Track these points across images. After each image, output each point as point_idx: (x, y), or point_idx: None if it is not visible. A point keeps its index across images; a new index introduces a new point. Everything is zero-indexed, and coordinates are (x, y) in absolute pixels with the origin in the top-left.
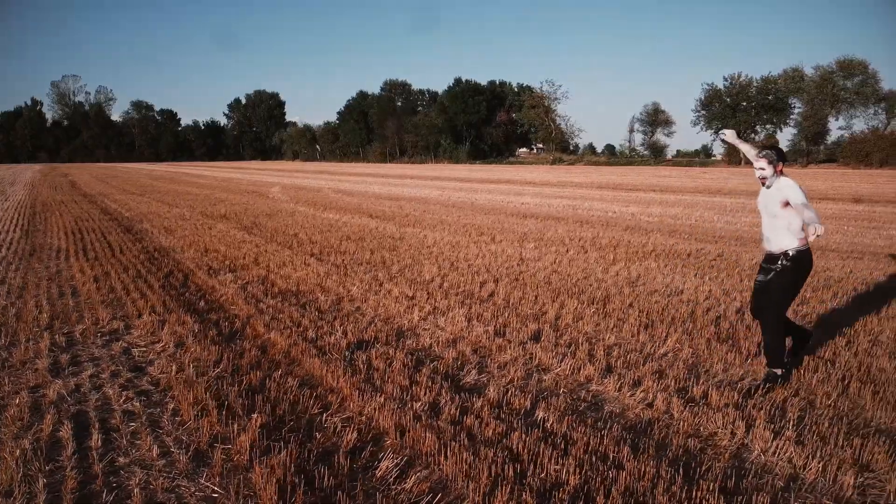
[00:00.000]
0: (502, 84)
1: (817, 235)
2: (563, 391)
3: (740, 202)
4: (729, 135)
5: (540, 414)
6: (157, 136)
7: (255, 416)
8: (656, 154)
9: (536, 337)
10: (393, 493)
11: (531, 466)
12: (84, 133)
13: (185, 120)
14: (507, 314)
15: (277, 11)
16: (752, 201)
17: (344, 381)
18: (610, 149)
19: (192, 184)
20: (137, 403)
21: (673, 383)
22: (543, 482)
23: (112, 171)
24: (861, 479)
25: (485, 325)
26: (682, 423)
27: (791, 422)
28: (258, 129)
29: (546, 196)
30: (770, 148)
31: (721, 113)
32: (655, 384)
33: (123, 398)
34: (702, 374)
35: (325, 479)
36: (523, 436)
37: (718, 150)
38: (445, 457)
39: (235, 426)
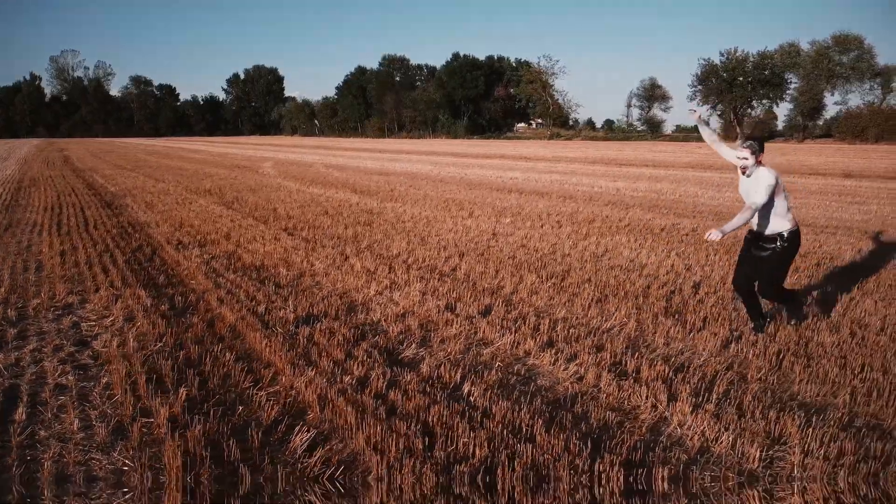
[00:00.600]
0: (500, 59)
1: (709, 238)
2: (497, 365)
3: (728, 177)
4: (700, 111)
5: (466, 388)
6: (155, 111)
7: (182, 390)
8: (653, 129)
9: (486, 311)
10: (300, 466)
11: (442, 440)
12: (83, 108)
13: (184, 95)
14: (463, 288)
15: None
16: (712, 175)
17: (280, 356)
18: (609, 124)
19: (186, 159)
20: (72, 377)
21: (609, 357)
22: (449, 456)
23: (109, 147)
24: (770, 452)
25: (437, 299)
26: (607, 397)
27: (715, 395)
28: (257, 104)
29: (538, 171)
30: (753, 139)
31: (717, 88)
32: (591, 358)
33: (59, 372)
34: (641, 348)
35: (234, 452)
36: (443, 410)
37: (714, 126)
38: (362, 430)
39: (159, 400)
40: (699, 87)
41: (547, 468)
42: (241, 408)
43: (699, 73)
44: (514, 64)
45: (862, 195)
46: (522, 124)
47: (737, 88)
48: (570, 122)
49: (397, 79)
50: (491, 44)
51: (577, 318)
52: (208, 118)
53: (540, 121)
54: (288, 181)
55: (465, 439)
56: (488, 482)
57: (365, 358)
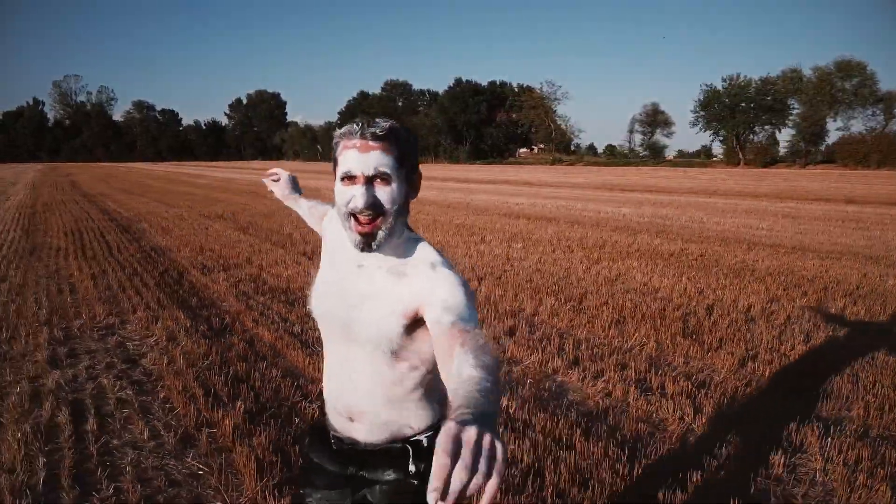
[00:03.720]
0: (502, 84)
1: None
2: (529, 381)
3: (732, 203)
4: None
5: (504, 402)
6: (158, 135)
7: (238, 403)
8: (655, 154)
9: (511, 332)
10: None
11: None
12: (85, 133)
13: (187, 120)
14: (486, 310)
15: (279, 10)
16: (745, 202)
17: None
18: (610, 149)
19: (192, 184)
20: (130, 392)
21: (634, 374)
22: None
23: (113, 171)
24: (793, 459)
25: None
26: (636, 410)
27: (737, 408)
28: (259, 128)
29: (542, 197)
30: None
31: (720, 113)
32: (617, 375)
33: (117, 387)
34: (663, 366)
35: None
36: None
37: (717, 151)
38: None
39: (220, 412)
40: (702, 112)
41: (590, 471)
42: (296, 419)
43: (701, 98)
44: (515, 89)
45: (865, 220)
46: (524, 149)
47: (739, 114)
48: (573, 147)
49: (399, 104)
50: (493, 69)
51: (598, 338)
52: (210, 143)
53: (542, 146)
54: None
55: (512, 446)
56: (537, 484)
57: None
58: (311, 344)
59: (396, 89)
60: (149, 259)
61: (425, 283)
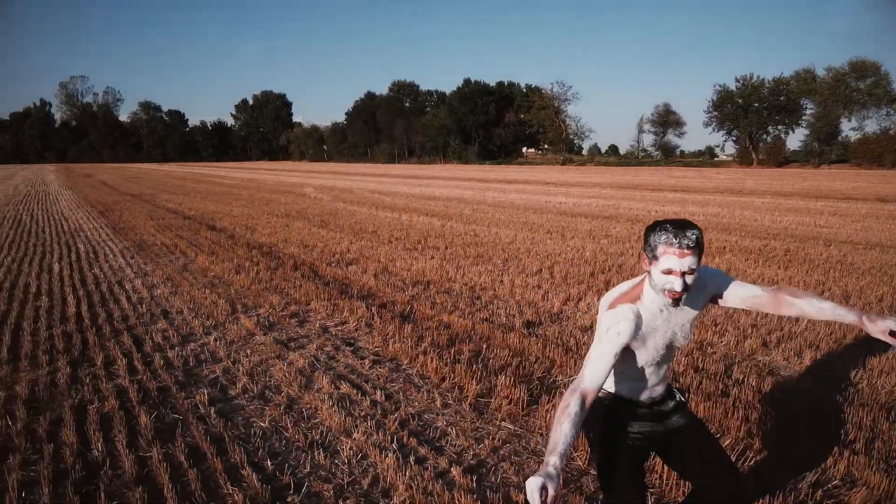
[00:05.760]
0: (511, 85)
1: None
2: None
3: (770, 202)
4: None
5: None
6: (164, 136)
7: (500, 376)
8: (667, 154)
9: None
10: None
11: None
12: (92, 133)
13: (193, 120)
14: None
15: (284, 11)
16: (785, 201)
17: (547, 351)
18: (613, 149)
19: (221, 184)
20: (383, 370)
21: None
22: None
23: (130, 172)
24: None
25: None
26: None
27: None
28: (265, 129)
29: (577, 196)
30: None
31: (733, 114)
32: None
33: (368, 364)
34: None
35: None
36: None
37: (729, 151)
38: None
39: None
40: (715, 112)
41: None
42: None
43: (715, 98)
44: (524, 90)
45: None
46: (531, 149)
47: (752, 114)
48: (577, 148)
49: (407, 104)
50: (500, 69)
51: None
52: (216, 143)
53: (546, 146)
54: (351, 206)
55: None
56: None
57: None
58: (517, 328)
59: (404, 90)
60: (265, 255)
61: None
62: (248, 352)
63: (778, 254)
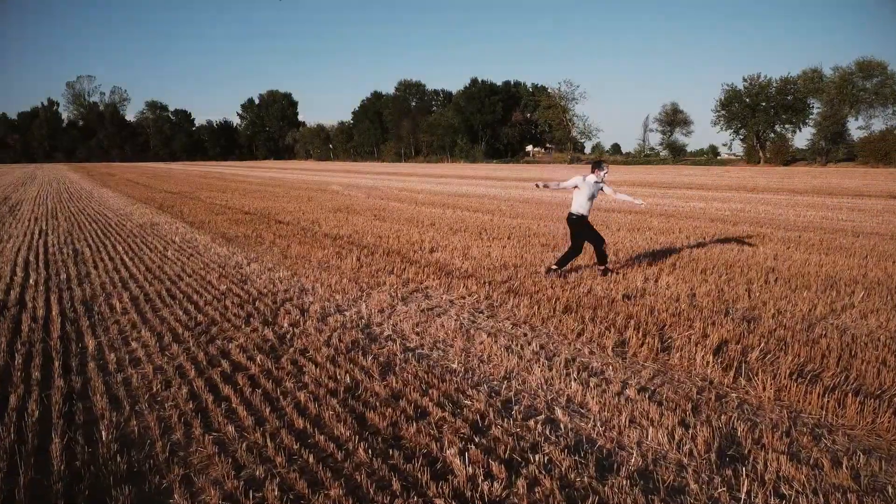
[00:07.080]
0: (517, 84)
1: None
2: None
3: (788, 198)
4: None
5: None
6: (171, 135)
7: (628, 331)
8: (675, 153)
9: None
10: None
11: None
12: (99, 133)
13: (199, 120)
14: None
15: (291, 10)
16: (794, 198)
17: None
18: (615, 148)
19: (248, 183)
20: (524, 329)
21: None
22: None
23: (150, 171)
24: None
25: (733, 289)
26: None
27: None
28: (271, 128)
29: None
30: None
31: (740, 113)
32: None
33: (509, 325)
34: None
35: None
36: None
37: (737, 149)
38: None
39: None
40: (722, 111)
41: None
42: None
43: (722, 98)
44: (530, 89)
45: None
46: (537, 149)
47: (759, 113)
48: (581, 147)
49: (413, 104)
50: (506, 68)
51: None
52: (223, 143)
53: (550, 145)
54: (390, 202)
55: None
56: None
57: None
58: (608, 301)
59: (410, 89)
60: (351, 244)
61: None
62: (401, 317)
63: (815, 243)
